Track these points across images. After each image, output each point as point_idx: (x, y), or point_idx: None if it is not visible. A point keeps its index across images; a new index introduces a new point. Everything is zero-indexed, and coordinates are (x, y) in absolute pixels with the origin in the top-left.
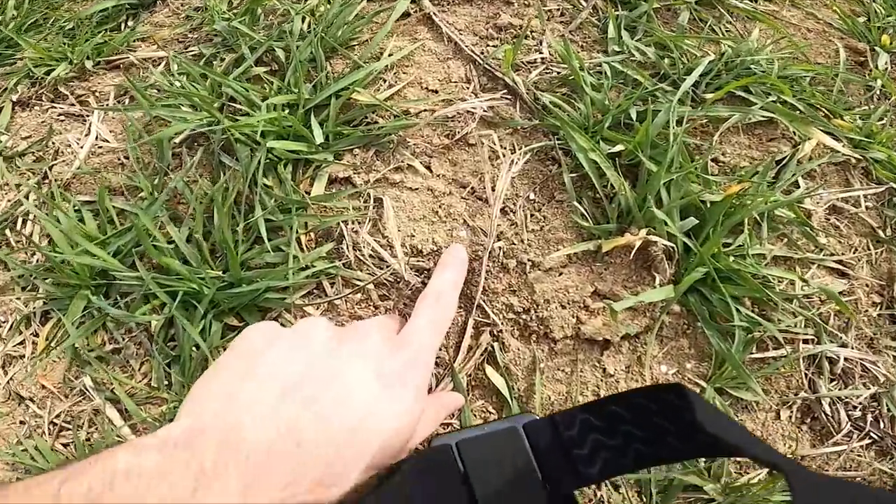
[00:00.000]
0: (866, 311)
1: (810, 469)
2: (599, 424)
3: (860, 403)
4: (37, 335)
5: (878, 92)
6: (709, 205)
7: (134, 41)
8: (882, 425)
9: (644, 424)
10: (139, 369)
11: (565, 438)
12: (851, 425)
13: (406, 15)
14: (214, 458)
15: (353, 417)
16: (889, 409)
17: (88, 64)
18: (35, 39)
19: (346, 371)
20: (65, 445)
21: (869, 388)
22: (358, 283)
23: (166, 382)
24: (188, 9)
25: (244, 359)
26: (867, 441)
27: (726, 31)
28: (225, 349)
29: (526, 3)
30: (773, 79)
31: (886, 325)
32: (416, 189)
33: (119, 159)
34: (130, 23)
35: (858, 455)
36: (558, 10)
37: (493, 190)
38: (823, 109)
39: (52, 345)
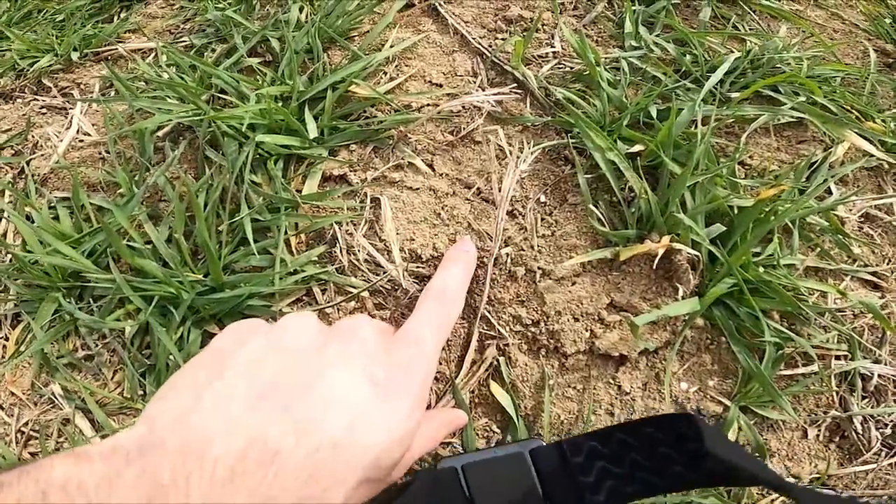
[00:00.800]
0: None
1: (836, 488)
2: (606, 452)
3: (892, 421)
4: (7, 339)
5: None
6: (737, 211)
7: (124, 32)
8: None
9: (651, 453)
10: (112, 378)
11: (572, 465)
12: (881, 443)
13: (409, 5)
14: (172, 471)
15: (338, 428)
16: None
17: (75, 55)
18: (23, 31)
19: (331, 373)
20: (33, 455)
21: None
22: (352, 290)
23: (140, 392)
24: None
25: (216, 357)
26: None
27: (750, 28)
28: None
29: None
30: (802, 78)
31: None
32: (417, 189)
33: (100, 153)
34: (123, 14)
35: (886, 473)
36: (571, 3)
37: (500, 191)
38: (855, 111)
39: (22, 349)
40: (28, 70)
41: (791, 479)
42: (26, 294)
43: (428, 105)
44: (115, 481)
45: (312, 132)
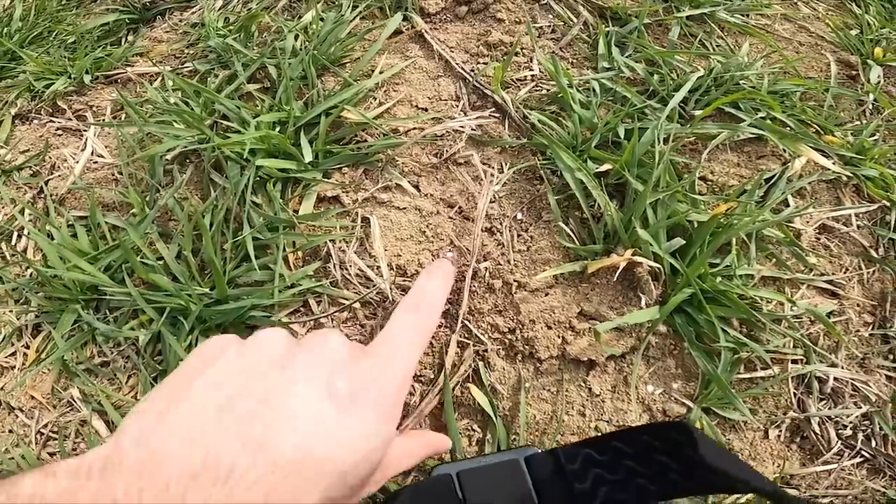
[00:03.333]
0: (857, 331)
1: (799, 488)
2: (601, 459)
3: (851, 422)
4: (28, 347)
5: (869, 106)
6: (696, 225)
7: (132, 56)
8: (874, 444)
9: (646, 461)
10: (126, 382)
11: (567, 472)
12: (842, 444)
13: (398, 32)
14: (126, 489)
15: (296, 443)
16: (881, 428)
17: (87, 78)
18: (37, 53)
19: (290, 386)
20: (51, 455)
21: (860, 407)
22: (344, 301)
23: None
24: (186, 24)
25: (185, 376)
26: (858, 459)
27: (717, 46)
28: None
29: (517, 20)
30: (762, 94)
31: (878, 344)
32: (404, 208)
33: (113, 175)
34: (131, 37)
35: (849, 474)
36: (549, 26)
37: (478, 207)
38: (814, 125)
39: (42, 357)
40: (43, 92)
41: None
42: (47, 306)
43: (414, 129)
44: (74, 497)
45: (308, 156)
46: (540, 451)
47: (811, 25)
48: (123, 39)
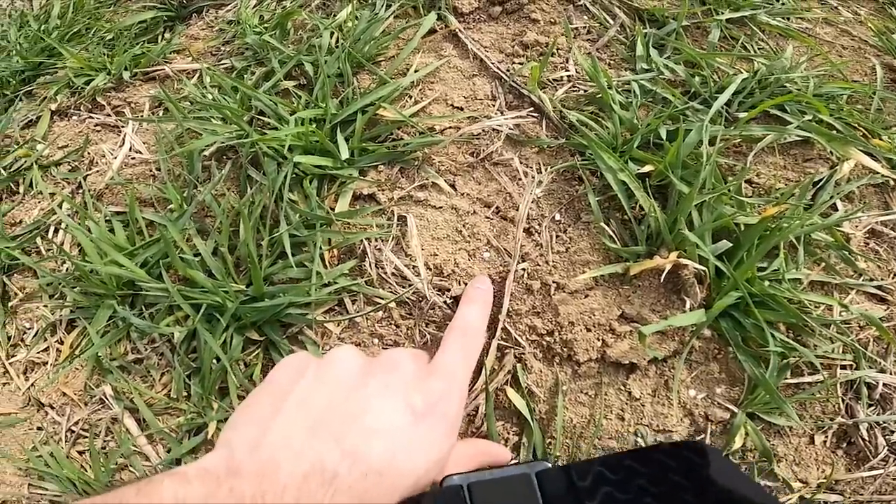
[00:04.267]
0: None
1: (844, 493)
2: (613, 478)
3: None
4: (61, 343)
5: None
6: (743, 228)
7: (170, 53)
8: None
9: (659, 480)
10: (160, 380)
11: (578, 489)
12: (888, 450)
13: (432, 31)
14: (252, 491)
15: (383, 456)
16: None
17: (126, 75)
18: (76, 49)
19: (375, 404)
20: (80, 453)
21: None
22: (380, 301)
23: (185, 394)
24: (222, 22)
25: (275, 392)
26: None
27: (759, 48)
28: (245, 363)
29: (552, 20)
30: (808, 97)
31: None
32: (441, 208)
33: (151, 171)
34: (167, 35)
35: (894, 479)
36: (585, 27)
37: (518, 210)
38: (861, 129)
39: (76, 353)
40: (83, 88)
41: (798, 484)
42: (82, 301)
43: (450, 128)
44: (211, 499)
45: (344, 153)
46: (551, 465)
47: (853, 29)
48: (161, 37)
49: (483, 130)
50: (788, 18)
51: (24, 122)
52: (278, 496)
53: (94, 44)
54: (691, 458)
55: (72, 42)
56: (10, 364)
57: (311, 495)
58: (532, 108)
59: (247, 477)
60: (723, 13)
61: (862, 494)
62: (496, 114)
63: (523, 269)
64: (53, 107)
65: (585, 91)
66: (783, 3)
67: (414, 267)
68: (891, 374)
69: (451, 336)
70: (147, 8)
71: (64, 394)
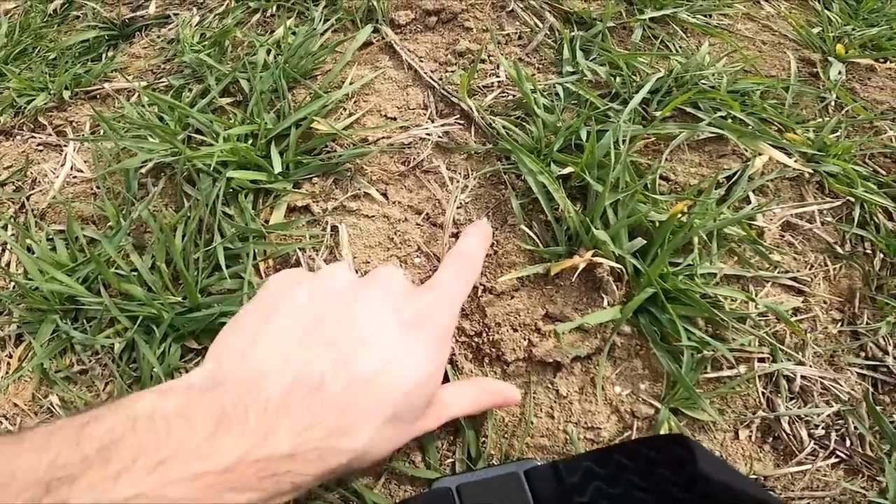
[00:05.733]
0: (825, 328)
1: (774, 489)
2: (602, 472)
3: (822, 422)
4: (11, 357)
5: (831, 103)
6: (657, 224)
7: (111, 72)
8: (849, 443)
9: (647, 474)
10: (104, 389)
11: (567, 485)
12: (815, 444)
13: (368, 44)
14: (234, 402)
15: (373, 362)
16: (856, 428)
17: (66, 94)
18: (19, 69)
19: (366, 314)
20: None
21: (831, 406)
22: None
23: None
24: (163, 41)
25: (264, 306)
26: (834, 460)
27: (679, 47)
28: (184, 371)
29: (484, 28)
30: (721, 93)
31: (847, 341)
32: (373, 216)
33: (92, 189)
34: (110, 53)
35: (825, 475)
36: (516, 33)
37: (445, 216)
38: (775, 123)
39: (24, 365)
40: (25, 108)
41: None
42: (27, 317)
43: (382, 138)
44: (190, 411)
45: (278, 167)
46: (540, 463)
47: (774, 24)
48: (104, 55)
49: (413, 139)
50: (710, 16)
51: None
52: (261, 406)
53: (37, 63)
54: (677, 452)
55: (16, 62)
56: None
57: (294, 405)
58: (460, 116)
59: (230, 387)
60: (646, 12)
61: (793, 490)
62: (427, 122)
63: None
64: (7, 128)
65: (513, 96)
66: (704, 1)
67: None
68: (809, 366)
69: (449, 258)
70: (90, 27)
71: (15, 404)
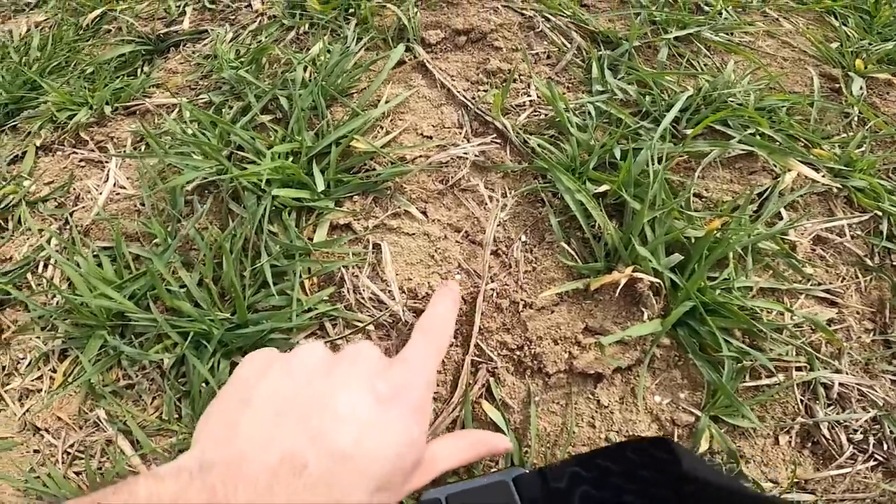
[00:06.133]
0: (859, 337)
1: (815, 492)
2: (588, 476)
3: (860, 427)
4: (54, 371)
5: (855, 118)
6: (693, 240)
7: (149, 87)
8: (886, 447)
9: (632, 477)
10: (151, 403)
11: (553, 491)
12: (854, 448)
13: (401, 63)
14: (224, 482)
15: (352, 438)
16: (892, 431)
17: (107, 109)
18: (58, 83)
19: (339, 391)
20: (77, 474)
21: (868, 412)
22: (358, 324)
23: (176, 416)
24: (199, 56)
25: (241, 388)
26: (873, 463)
27: (704, 65)
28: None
29: (514, 47)
30: (750, 111)
31: (881, 349)
32: (413, 234)
33: (135, 206)
34: (146, 68)
35: (865, 477)
36: (545, 52)
37: (485, 234)
38: (802, 139)
39: (69, 380)
40: (66, 123)
41: (769, 484)
42: (74, 332)
43: (420, 157)
44: (183, 496)
45: (320, 185)
46: (527, 470)
47: (793, 40)
48: (140, 70)
49: (451, 158)
50: (732, 33)
51: (10, 157)
52: (250, 489)
53: (75, 77)
54: (660, 454)
55: (53, 76)
56: (4, 392)
57: (283, 486)
58: (496, 135)
59: (218, 472)
60: (671, 31)
61: (833, 493)
62: (463, 141)
63: (492, 289)
64: (38, 142)
65: (546, 115)
66: (726, 19)
67: (389, 291)
68: (846, 374)
69: (418, 331)
70: (125, 42)
71: (59, 418)
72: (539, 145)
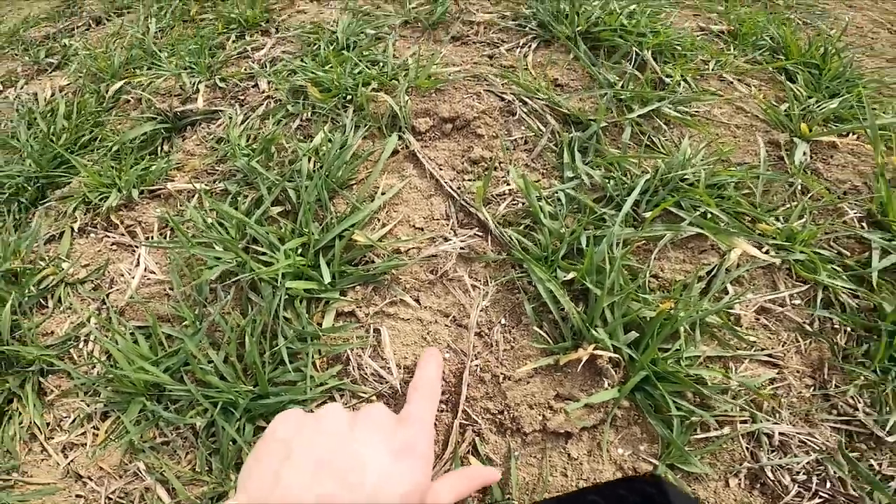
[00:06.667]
0: (800, 392)
1: None
2: None
3: (803, 468)
4: (97, 429)
5: (798, 188)
6: (647, 319)
7: (171, 170)
8: (831, 484)
9: None
10: (185, 457)
11: None
12: (799, 487)
13: (395, 152)
14: None
15: (375, 484)
16: (835, 472)
17: (135, 193)
18: (86, 160)
19: (364, 447)
20: None
21: (810, 455)
22: (363, 395)
23: (207, 468)
24: (213, 139)
25: (280, 443)
26: (818, 500)
27: (663, 144)
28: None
29: (494, 134)
30: (700, 191)
31: (819, 402)
32: (408, 319)
33: (165, 290)
34: (166, 147)
35: None
36: (522, 138)
37: (470, 318)
38: (749, 216)
39: (111, 437)
40: (99, 206)
41: None
42: (114, 398)
43: (413, 248)
44: None
45: (327, 277)
46: None
47: (746, 105)
48: (160, 147)
49: (439, 252)
50: (689, 105)
51: (48, 236)
52: None
53: (102, 155)
54: (649, 491)
55: (81, 151)
56: (48, 444)
57: None
58: (479, 228)
59: None
60: (634, 109)
61: None
62: (450, 233)
63: (477, 365)
64: (75, 225)
65: (523, 204)
66: (684, 91)
67: (388, 368)
68: (786, 424)
69: (414, 392)
70: (147, 119)
71: (101, 468)
72: (516, 237)
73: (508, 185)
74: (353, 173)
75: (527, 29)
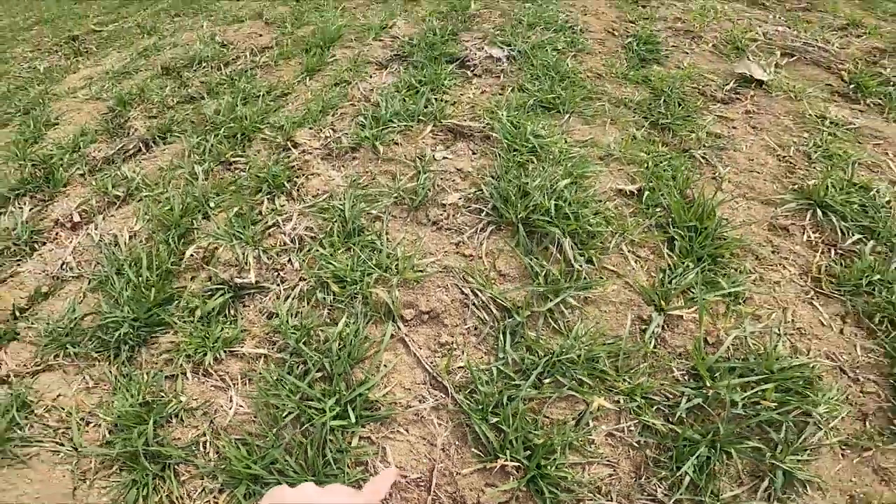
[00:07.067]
0: (627, 483)
1: None
2: None
3: None
4: (217, 500)
5: (647, 353)
6: (537, 444)
7: (241, 334)
8: None
9: None
10: None
11: None
12: None
13: (392, 335)
14: None
15: None
16: None
17: (221, 354)
18: (177, 319)
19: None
20: None
21: None
22: None
23: None
24: (267, 312)
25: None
26: None
27: (567, 322)
28: None
29: (455, 324)
30: (580, 364)
31: (637, 490)
32: (402, 441)
33: (251, 418)
34: (233, 312)
35: None
36: (475, 326)
37: (437, 443)
38: (609, 377)
39: None
40: (202, 360)
41: None
42: (228, 479)
43: (403, 401)
44: None
45: (353, 419)
46: None
47: (633, 280)
48: (229, 309)
49: (420, 406)
50: (589, 288)
51: (167, 375)
52: None
53: (187, 314)
54: None
55: (168, 308)
56: None
57: None
58: (443, 391)
59: None
60: (549, 299)
61: None
62: (426, 393)
63: (443, 465)
64: (187, 372)
65: (468, 376)
66: (587, 274)
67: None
68: (614, 502)
69: (371, 484)
70: (215, 287)
71: None
72: (465, 398)
73: (462, 361)
74: (364, 352)
75: (482, 215)
